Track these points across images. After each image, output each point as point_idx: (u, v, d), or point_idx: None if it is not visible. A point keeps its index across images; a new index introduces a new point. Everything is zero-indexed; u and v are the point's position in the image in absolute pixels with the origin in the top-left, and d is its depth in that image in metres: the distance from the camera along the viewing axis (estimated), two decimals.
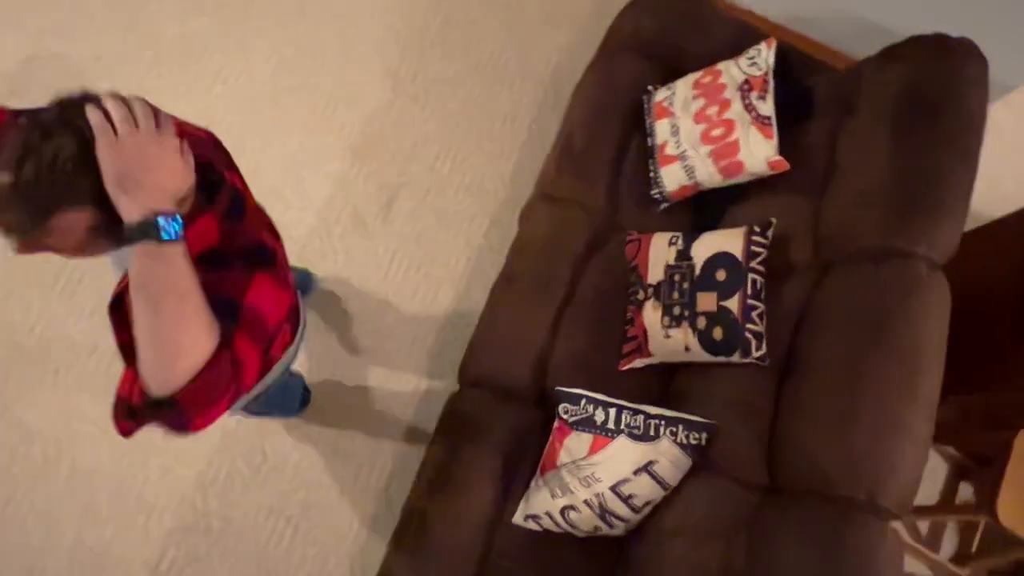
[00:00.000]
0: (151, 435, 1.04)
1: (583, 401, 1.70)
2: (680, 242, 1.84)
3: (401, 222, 2.52)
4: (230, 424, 2.23)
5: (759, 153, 1.86)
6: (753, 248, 1.72)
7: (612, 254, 1.98)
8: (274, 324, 1.07)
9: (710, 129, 1.92)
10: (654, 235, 1.91)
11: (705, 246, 1.79)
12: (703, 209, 2.03)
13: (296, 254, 2.43)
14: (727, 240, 1.77)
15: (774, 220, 1.76)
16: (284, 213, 2.48)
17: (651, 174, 2.03)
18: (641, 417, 1.66)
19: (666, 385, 1.87)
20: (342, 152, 2.60)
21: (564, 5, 2.90)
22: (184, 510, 2.15)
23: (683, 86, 2.03)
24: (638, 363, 1.84)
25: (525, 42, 2.83)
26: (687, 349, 1.75)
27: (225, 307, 0.95)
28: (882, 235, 1.68)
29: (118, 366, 0.96)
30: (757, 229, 1.75)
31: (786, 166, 1.84)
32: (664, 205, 2.04)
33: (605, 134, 2.08)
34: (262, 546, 2.14)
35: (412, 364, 2.36)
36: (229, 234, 1.04)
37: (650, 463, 1.62)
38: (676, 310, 1.76)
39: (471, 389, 1.90)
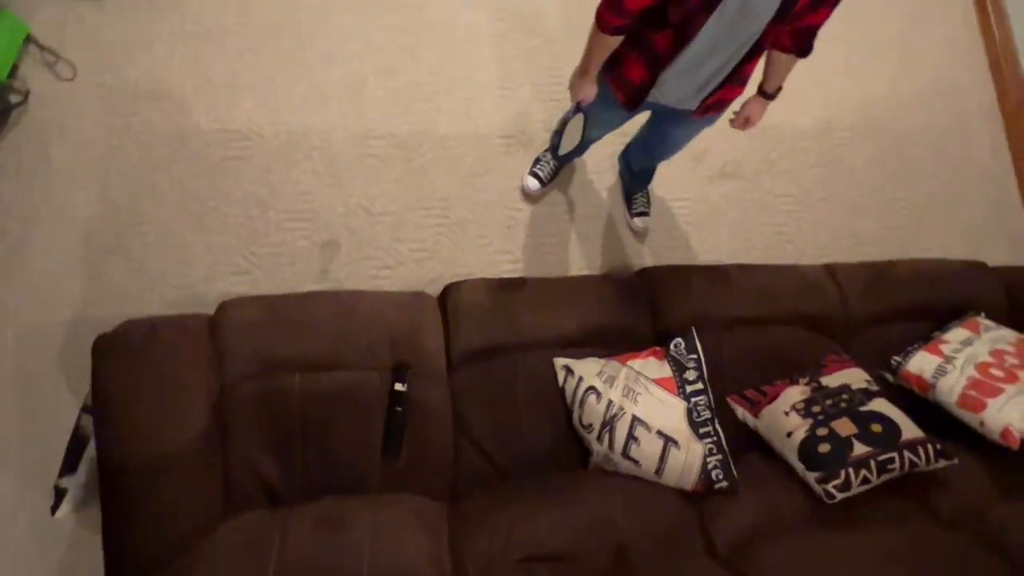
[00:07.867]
0: None
1: (697, 357, 1.76)
2: (874, 386, 1.81)
3: None
4: None
5: (1007, 418, 1.75)
6: (914, 457, 1.65)
7: None
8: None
9: (993, 367, 1.85)
10: (858, 368, 1.88)
11: (886, 406, 1.75)
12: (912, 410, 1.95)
13: None
14: (907, 423, 1.71)
15: (956, 460, 1.68)
16: None
17: (909, 346, 2.00)
18: (709, 414, 1.69)
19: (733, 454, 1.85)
20: None
21: None
22: None
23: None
24: (739, 413, 1.85)
25: None
26: (788, 435, 1.72)
27: None
28: None
29: None
30: (939, 448, 1.67)
31: (1016, 445, 1.72)
32: (890, 377, 2.00)
33: None
34: None
35: None
36: None
37: (674, 442, 1.64)
38: (815, 408, 1.74)
39: None
